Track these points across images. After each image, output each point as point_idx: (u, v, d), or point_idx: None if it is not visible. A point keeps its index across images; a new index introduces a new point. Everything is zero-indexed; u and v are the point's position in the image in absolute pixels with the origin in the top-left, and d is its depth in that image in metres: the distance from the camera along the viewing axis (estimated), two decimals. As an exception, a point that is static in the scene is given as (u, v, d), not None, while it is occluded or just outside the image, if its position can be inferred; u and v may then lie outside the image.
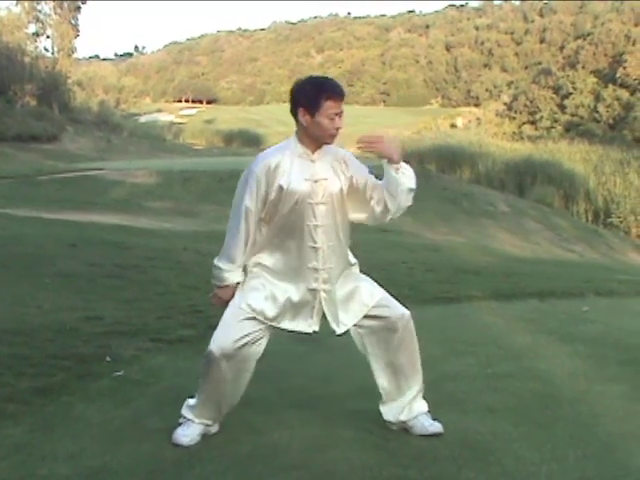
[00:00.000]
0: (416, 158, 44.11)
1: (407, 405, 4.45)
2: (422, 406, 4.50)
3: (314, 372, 5.37)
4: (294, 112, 4.18)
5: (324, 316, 4.31)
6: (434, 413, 4.51)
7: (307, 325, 4.30)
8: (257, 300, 4.22)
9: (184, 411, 4.39)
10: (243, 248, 4.21)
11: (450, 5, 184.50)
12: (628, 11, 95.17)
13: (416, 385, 4.47)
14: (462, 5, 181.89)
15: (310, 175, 4.16)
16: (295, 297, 4.25)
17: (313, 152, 4.20)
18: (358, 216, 4.38)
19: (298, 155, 4.19)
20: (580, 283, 11.73)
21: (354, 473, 3.89)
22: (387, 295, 4.43)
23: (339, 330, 4.33)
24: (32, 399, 4.92)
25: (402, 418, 4.46)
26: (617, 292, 10.70)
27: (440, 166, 42.97)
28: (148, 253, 12.30)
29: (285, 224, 4.20)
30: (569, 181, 38.53)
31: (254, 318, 4.19)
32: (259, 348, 4.27)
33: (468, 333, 7.43)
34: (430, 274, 12.12)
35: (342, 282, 4.34)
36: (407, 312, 4.39)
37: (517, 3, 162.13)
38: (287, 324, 4.28)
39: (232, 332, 4.17)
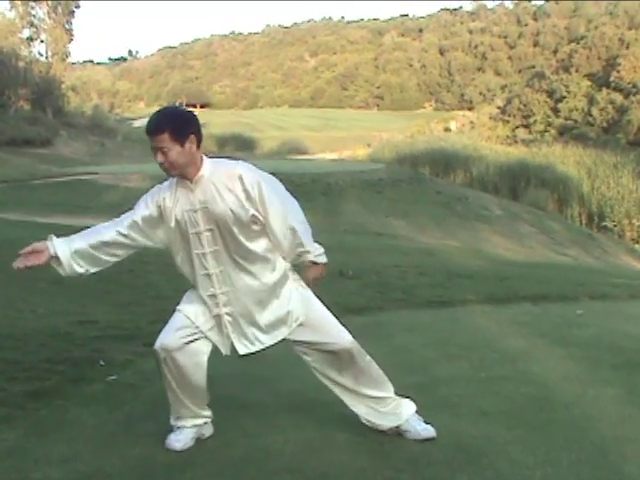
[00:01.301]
0: (409, 162, 44.29)
1: (390, 412, 4.44)
2: (409, 408, 4.47)
3: (308, 376, 5.36)
4: None
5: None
6: (427, 417, 4.51)
7: (222, 346, 4.30)
8: (190, 304, 4.32)
9: (172, 421, 4.40)
10: (93, 237, 4.25)
11: (443, 9, 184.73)
12: (622, 14, 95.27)
13: (382, 394, 4.44)
14: (456, 9, 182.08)
15: (190, 205, 4.11)
16: (206, 321, 4.26)
17: (191, 181, 4.12)
18: (254, 230, 4.20)
19: (181, 186, 4.16)
20: (574, 286, 11.75)
21: (347, 477, 3.89)
22: (328, 323, 4.34)
23: (244, 350, 4.28)
24: (25, 403, 4.91)
25: (390, 424, 4.45)
26: (611, 295, 10.71)
27: (434, 170, 43.09)
28: (141, 257, 12.27)
29: (181, 253, 4.23)
30: (563, 185, 38.63)
31: (191, 322, 4.25)
32: (202, 344, 4.27)
33: (461, 337, 7.43)
34: (423, 278, 12.13)
35: (265, 302, 4.26)
36: (347, 342, 4.31)
37: (511, 6, 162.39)
38: (210, 335, 4.28)
39: (169, 326, 4.29)
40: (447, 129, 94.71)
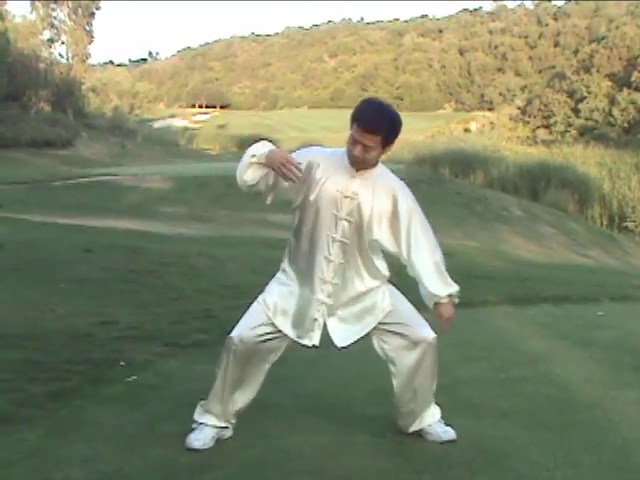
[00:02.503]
0: (429, 162, 44.11)
1: (418, 419, 4.45)
2: (434, 416, 4.48)
3: (328, 377, 5.37)
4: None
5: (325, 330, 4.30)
6: (448, 418, 4.50)
7: (308, 338, 4.27)
8: (272, 295, 4.29)
9: (196, 415, 4.40)
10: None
11: (464, 9, 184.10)
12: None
13: (426, 405, 4.46)
14: (476, 9, 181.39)
15: (343, 188, 4.12)
16: (300, 303, 4.25)
17: (357, 170, 4.14)
18: (392, 248, 4.30)
19: (343, 166, 4.15)
20: (595, 288, 11.70)
21: (368, 478, 3.89)
22: (413, 315, 4.38)
23: (340, 343, 4.30)
24: (46, 404, 4.93)
25: (413, 429, 4.46)
26: (632, 297, 10.67)
27: (453, 170, 42.88)
28: (162, 258, 12.33)
29: (311, 226, 4.19)
30: (584, 185, 38.37)
31: (268, 318, 4.22)
32: (274, 348, 4.29)
33: (482, 338, 7.41)
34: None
35: (358, 299, 4.30)
36: (431, 336, 4.33)
37: (531, 7, 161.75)
38: (290, 332, 4.26)
39: (251, 321, 4.23)
40: (467, 130, 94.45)
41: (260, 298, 4.31)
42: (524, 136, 77.73)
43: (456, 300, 4.38)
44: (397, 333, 4.30)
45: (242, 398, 4.37)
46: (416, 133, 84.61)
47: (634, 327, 8.14)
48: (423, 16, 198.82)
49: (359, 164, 4.10)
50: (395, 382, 4.38)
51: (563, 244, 27.28)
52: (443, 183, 35.00)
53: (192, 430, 4.37)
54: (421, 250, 4.25)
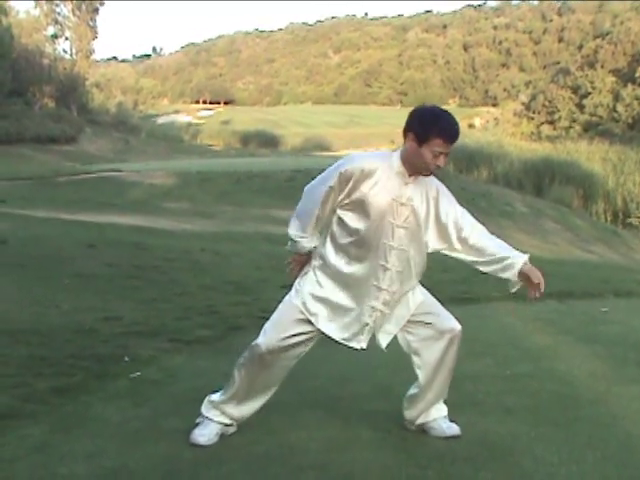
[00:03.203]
0: (434, 158, 44.00)
1: (425, 412, 4.46)
2: (440, 410, 4.49)
3: (333, 373, 5.37)
4: (405, 133, 4.07)
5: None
6: (452, 414, 4.50)
7: (357, 341, 4.24)
8: (313, 301, 4.19)
9: (204, 408, 4.38)
10: (314, 223, 4.16)
11: (468, 5, 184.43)
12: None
13: (439, 398, 4.47)
14: (480, 5, 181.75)
15: (398, 196, 4.08)
16: (351, 309, 4.19)
17: (410, 175, 4.10)
18: (438, 246, 4.28)
19: (395, 172, 4.09)
20: (599, 284, 11.68)
21: (372, 474, 3.89)
22: (439, 307, 4.38)
23: (384, 344, 4.30)
24: (51, 399, 4.94)
25: (419, 421, 4.47)
26: (636, 293, 10.65)
27: (458, 166, 42.85)
28: (166, 254, 12.33)
29: (364, 234, 4.10)
30: (588, 181, 38.33)
31: (307, 320, 4.17)
32: (305, 349, 4.29)
33: (486, 334, 7.41)
34: (447, 274, 12.07)
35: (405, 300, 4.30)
36: (458, 327, 4.32)
37: (535, 3, 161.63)
38: (336, 333, 4.21)
39: (282, 329, 4.17)
40: (471, 125, 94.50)
41: (296, 301, 4.21)
42: (528, 132, 77.75)
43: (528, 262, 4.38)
44: (426, 323, 4.31)
45: (261, 401, 4.38)
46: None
47: (638, 323, 8.13)
48: (427, 12, 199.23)
49: (431, 173, 4.12)
50: (420, 373, 4.37)
51: (567, 240, 27.26)
52: (447, 179, 34.85)
53: (196, 425, 4.37)
54: (477, 229, 4.28)
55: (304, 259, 4.28)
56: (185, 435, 4.32)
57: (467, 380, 5.59)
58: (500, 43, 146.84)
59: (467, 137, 56.44)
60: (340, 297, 4.19)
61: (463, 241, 4.24)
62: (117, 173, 29.64)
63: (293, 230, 4.21)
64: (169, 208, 22.85)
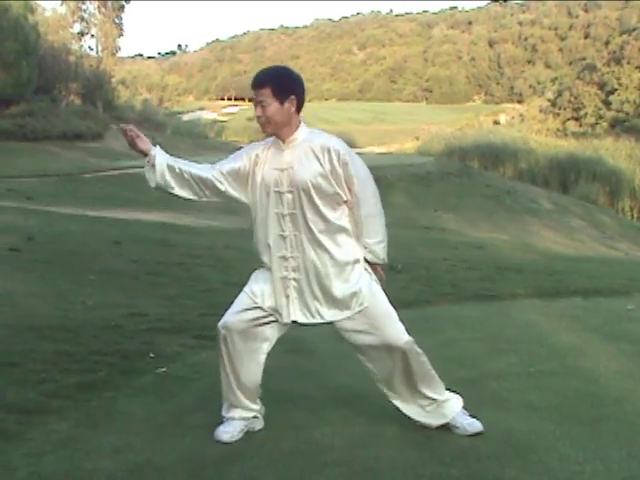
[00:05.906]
0: (458, 155, 44.02)
1: (433, 411, 4.42)
2: (455, 406, 4.43)
3: (358, 370, 5.36)
4: None
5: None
6: (476, 411, 4.49)
7: (286, 315, 4.30)
8: (257, 282, 4.37)
9: (223, 411, 4.44)
10: (190, 166, 4.55)
11: (493, 1, 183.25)
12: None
13: (434, 396, 4.40)
14: (505, 1, 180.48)
15: (278, 164, 4.22)
16: (271, 285, 4.31)
17: (284, 141, 4.24)
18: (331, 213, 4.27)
19: (274, 146, 4.29)
20: (625, 281, 11.63)
21: (396, 471, 3.89)
22: (390, 315, 4.30)
23: (303, 319, 4.30)
24: (77, 395, 4.97)
25: (438, 423, 4.42)
26: (662, 290, 10.58)
27: (483, 163, 42.80)
28: (191, 250, 12.38)
29: (262, 212, 4.29)
30: (614, 178, 38.15)
31: (255, 303, 4.30)
32: (264, 337, 4.34)
33: (510, 331, 7.39)
34: (472, 272, 12.07)
35: (332, 279, 4.25)
36: (404, 340, 4.25)
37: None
38: (278, 313, 4.31)
39: (234, 307, 4.35)
40: (496, 122, 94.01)
41: (245, 288, 4.39)
42: (554, 128, 77.22)
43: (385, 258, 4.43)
44: (370, 337, 4.28)
45: (251, 386, 4.41)
46: (445, 125, 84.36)
47: (665, 321, 8.08)
48: (452, 8, 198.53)
49: (267, 127, 4.23)
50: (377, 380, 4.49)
51: (593, 237, 27.13)
52: (472, 176, 34.89)
53: (221, 422, 4.40)
54: (362, 201, 4.27)
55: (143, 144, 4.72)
56: (210, 431, 4.34)
57: (491, 377, 5.58)
58: (526, 39, 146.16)
59: (492, 133, 56.33)
60: (267, 275, 4.34)
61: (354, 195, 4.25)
62: (142, 170, 29.72)
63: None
64: (194, 205, 22.80)
